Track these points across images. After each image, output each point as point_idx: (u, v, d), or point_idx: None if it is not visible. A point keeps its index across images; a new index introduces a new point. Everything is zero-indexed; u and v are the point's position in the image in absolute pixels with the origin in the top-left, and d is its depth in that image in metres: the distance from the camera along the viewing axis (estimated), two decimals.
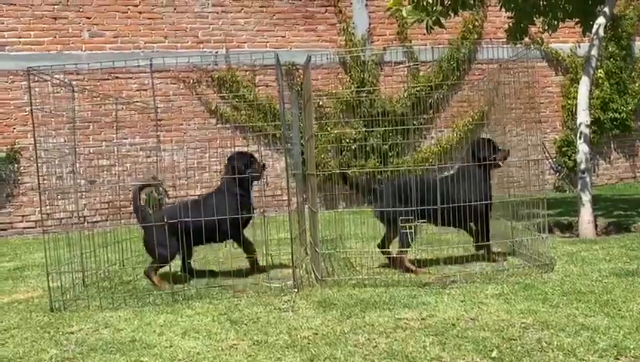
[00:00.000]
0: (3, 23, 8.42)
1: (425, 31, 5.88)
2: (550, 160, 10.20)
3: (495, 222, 5.12)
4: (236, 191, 4.31)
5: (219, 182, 4.76)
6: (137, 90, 8.72)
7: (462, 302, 3.27)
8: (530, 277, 3.75)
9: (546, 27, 6.45)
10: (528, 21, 6.41)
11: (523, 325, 2.80)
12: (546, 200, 4.36)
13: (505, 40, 6.64)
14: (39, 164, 8.11)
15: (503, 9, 6.39)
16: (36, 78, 3.89)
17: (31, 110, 3.67)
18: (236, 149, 8.77)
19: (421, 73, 9.77)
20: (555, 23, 6.34)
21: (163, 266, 4.09)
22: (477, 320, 2.93)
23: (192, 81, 8.98)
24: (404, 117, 8.99)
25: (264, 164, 4.83)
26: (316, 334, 2.83)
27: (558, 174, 10.22)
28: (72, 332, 3.10)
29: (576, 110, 5.90)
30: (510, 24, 6.50)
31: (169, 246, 3.97)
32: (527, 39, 6.71)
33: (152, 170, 8.57)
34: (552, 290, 3.40)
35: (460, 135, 9.68)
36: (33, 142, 8.26)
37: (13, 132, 8.45)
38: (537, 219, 4.40)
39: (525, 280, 3.67)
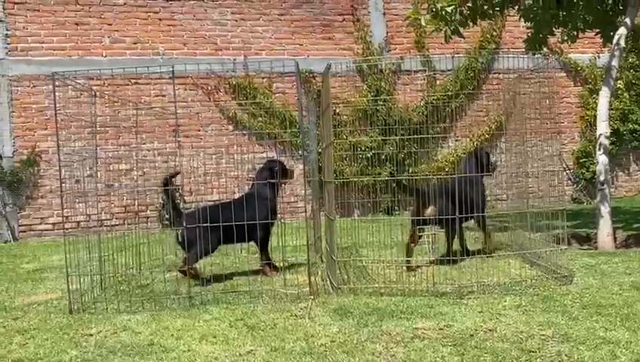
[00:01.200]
0: (27, 29, 8.57)
1: (442, 40, 5.89)
2: (568, 171, 10.11)
3: (513, 233, 5.09)
4: (269, 195, 4.61)
5: (237, 187, 4.80)
6: (156, 96, 8.81)
7: (480, 312, 3.25)
8: (549, 289, 3.72)
9: (566, 37, 6.41)
10: (547, 31, 6.38)
11: (542, 337, 2.78)
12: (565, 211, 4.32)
13: (523, 50, 6.62)
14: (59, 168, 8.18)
15: (522, 19, 6.37)
16: (57, 83, 3.94)
17: (55, 114, 3.73)
18: (253, 156, 8.89)
19: (438, 82, 9.76)
20: (575, 33, 6.30)
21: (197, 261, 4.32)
22: (495, 331, 2.91)
23: (210, 87, 9.05)
24: (421, 125, 8.97)
25: (292, 171, 5.14)
26: (333, 342, 2.83)
27: (575, 185, 10.12)
28: (91, 335, 3.14)
29: (595, 121, 5.86)
30: (529, 34, 6.47)
31: (210, 243, 4.22)
32: (546, 49, 6.66)
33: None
34: (571, 303, 3.37)
35: (477, 144, 9.63)
36: (54, 146, 8.38)
37: (34, 135, 8.57)
38: (555, 231, 4.36)
39: (544, 292, 3.64)
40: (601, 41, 6.42)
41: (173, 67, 3.75)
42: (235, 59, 9.07)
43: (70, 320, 3.47)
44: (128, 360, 2.67)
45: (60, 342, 3.01)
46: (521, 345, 2.67)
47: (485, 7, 5.90)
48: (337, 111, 9.23)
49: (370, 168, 9.19)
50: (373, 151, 9.17)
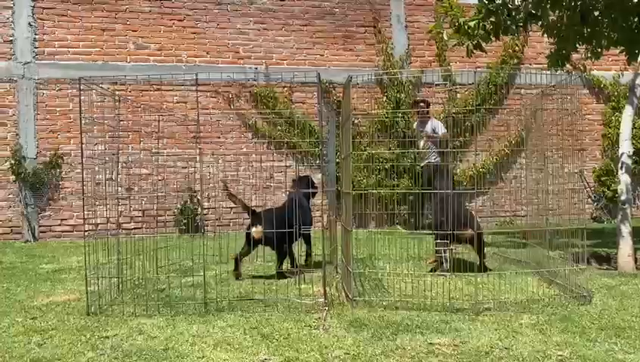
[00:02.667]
0: (54, 33, 8.75)
1: (464, 54, 5.88)
2: (588, 189, 9.98)
3: (531, 251, 5.04)
4: (307, 204, 5.29)
5: (254, 195, 4.89)
6: (178, 103, 8.92)
7: (495, 330, 3.22)
8: (567, 309, 3.67)
9: (590, 54, 6.35)
10: (571, 48, 6.32)
11: (559, 357, 2.74)
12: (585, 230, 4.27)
13: (546, 66, 6.58)
14: (80, 170, 8.31)
15: (546, 35, 6.33)
16: (82, 87, 4.02)
17: (80, 118, 3.80)
18: (271, 164, 8.93)
19: (458, 95, 9.73)
20: (599, 50, 6.25)
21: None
22: (511, 349, 2.88)
23: (231, 95, 9.14)
24: (440, 139, 8.93)
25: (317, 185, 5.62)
26: (347, 354, 2.82)
27: (596, 204, 9.98)
28: (107, 337, 3.17)
29: (617, 139, 5.79)
30: (552, 50, 6.43)
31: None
32: (569, 66, 6.61)
33: (189, 180, 8.73)
34: (589, 323, 3.32)
35: (497, 159, 9.58)
36: (76, 148, 8.50)
37: (57, 138, 8.73)
38: (575, 249, 4.31)
39: (561, 312, 3.59)
40: (626, 58, 6.35)
41: (197, 75, 3.80)
42: (256, 68, 9.16)
43: (87, 321, 3.51)
44: None
45: (77, 344, 3.05)
46: None
47: (509, 22, 5.88)
48: (355, 121, 9.24)
49: (387, 180, 9.18)
50: (390, 163, 9.16)
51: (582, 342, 2.98)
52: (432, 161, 8.00)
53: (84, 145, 4.07)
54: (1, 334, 3.26)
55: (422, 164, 8.31)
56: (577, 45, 6.29)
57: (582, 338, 3.03)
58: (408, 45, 9.72)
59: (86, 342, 3.08)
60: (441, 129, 8.19)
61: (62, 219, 8.73)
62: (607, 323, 3.33)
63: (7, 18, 8.62)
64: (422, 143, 8.19)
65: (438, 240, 4.73)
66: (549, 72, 5.98)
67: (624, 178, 5.40)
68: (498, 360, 2.70)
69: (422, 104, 8.38)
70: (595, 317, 3.45)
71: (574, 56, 6.59)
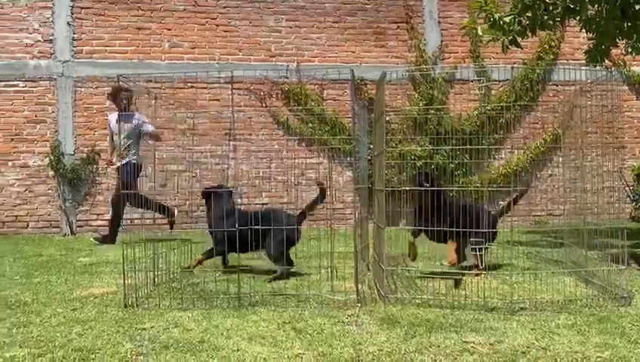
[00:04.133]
0: (92, 33, 8.97)
1: (498, 49, 5.79)
2: (628, 188, 9.71)
3: (568, 251, 4.94)
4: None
5: (285, 191, 4.90)
6: (211, 100, 9.03)
7: (532, 329, 3.17)
8: (606, 310, 3.58)
9: (630, 49, 6.18)
10: (610, 43, 6.16)
11: (599, 359, 2.68)
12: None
13: (584, 61, 6.42)
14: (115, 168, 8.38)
15: (584, 30, 6.18)
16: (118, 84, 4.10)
17: (119, 115, 3.88)
18: (303, 161, 8.96)
19: (492, 92, 9.59)
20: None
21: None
22: (548, 349, 2.83)
23: (263, 93, 9.20)
24: (473, 136, 8.82)
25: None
26: (381, 351, 2.82)
27: (635, 203, 9.69)
28: (145, 329, 3.24)
29: None
30: (590, 45, 6.27)
31: None
32: (608, 61, 6.43)
33: (221, 177, 8.82)
34: (630, 325, 3.24)
35: (531, 157, 9.40)
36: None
37: (94, 134, 8.94)
38: (613, 250, 4.20)
39: (600, 313, 3.51)
40: None
41: (232, 73, 3.84)
42: (288, 66, 9.20)
43: (125, 313, 3.59)
44: (180, 356, 2.74)
45: (115, 335, 3.13)
46: None
47: (545, 17, 5.77)
48: (387, 118, 9.19)
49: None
50: (422, 161, 9.08)
51: (622, 343, 2.91)
52: (132, 159, 7.08)
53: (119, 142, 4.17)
54: (44, 324, 3.37)
55: (118, 164, 7.17)
56: (617, 40, 6.13)
57: (622, 340, 2.96)
58: (441, 41, 9.62)
59: (124, 333, 3.16)
60: (147, 125, 7.00)
61: (98, 214, 8.95)
62: None
63: (48, 18, 8.86)
64: (118, 140, 6.61)
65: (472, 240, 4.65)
66: (587, 68, 5.84)
67: None
68: (535, 360, 2.66)
69: (125, 93, 6.67)
70: (635, 319, 3.36)
71: (614, 51, 6.41)
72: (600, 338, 2.99)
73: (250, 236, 4.31)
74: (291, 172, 9.04)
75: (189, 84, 8.86)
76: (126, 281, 3.85)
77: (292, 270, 4.76)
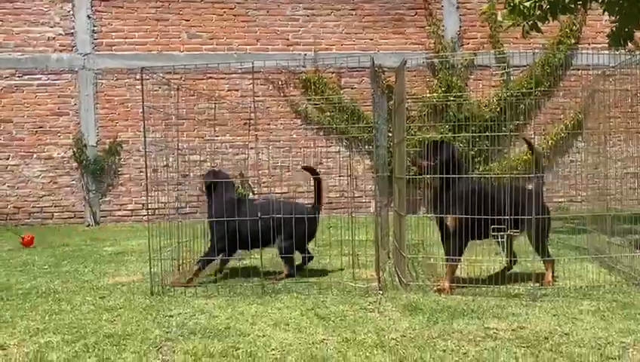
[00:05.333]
0: (112, 25, 9.07)
1: (518, 34, 5.74)
2: None
3: (591, 236, 4.91)
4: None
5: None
6: (229, 90, 9.09)
7: (554, 316, 3.18)
8: (629, 296, 3.57)
9: None
10: (633, 25, 6.06)
11: (622, 344, 2.69)
12: None
13: (606, 45, 6.32)
14: (138, 158, 8.60)
15: (606, 12, 6.09)
16: (141, 76, 4.16)
17: (143, 107, 3.95)
18: (321, 150, 8.98)
19: (513, 78, 9.48)
20: None
21: None
22: (571, 335, 2.84)
23: (280, 82, 9.23)
24: (493, 122, 8.75)
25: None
26: (404, 336, 2.86)
27: None
28: (172, 316, 3.32)
29: None
30: (613, 28, 6.18)
31: None
32: (631, 45, 6.33)
33: (240, 166, 8.90)
34: None
35: (552, 143, 9.31)
36: (134, 137, 8.82)
37: (115, 126, 9.08)
38: (636, 236, 4.18)
39: (624, 299, 3.50)
40: None
41: (253, 63, 3.88)
42: (305, 55, 9.20)
43: (152, 301, 3.68)
44: (207, 342, 2.81)
45: (144, 321, 3.21)
46: (599, 351, 2.60)
47: (566, 0, 5.70)
48: (407, 106, 9.16)
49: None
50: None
51: None
52: None
53: (141, 133, 4.23)
54: (75, 311, 3.47)
55: None
56: None
57: None
58: (460, 27, 9.53)
59: (152, 320, 3.24)
60: None
61: (121, 204, 9.11)
62: None
63: (68, 11, 8.98)
64: None
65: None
66: (609, 52, 5.75)
67: None
68: (558, 346, 2.67)
69: None
70: None
71: (637, 34, 6.31)
72: (623, 324, 2.99)
73: (261, 230, 4.05)
74: (310, 161, 9.07)
75: (207, 75, 8.93)
76: (152, 269, 3.94)
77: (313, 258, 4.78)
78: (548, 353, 2.59)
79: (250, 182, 8.98)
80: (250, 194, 8.96)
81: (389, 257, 4.98)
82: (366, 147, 9.23)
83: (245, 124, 8.67)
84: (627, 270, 4.09)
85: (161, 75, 4.55)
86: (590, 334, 2.85)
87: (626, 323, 3.01)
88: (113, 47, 9.06)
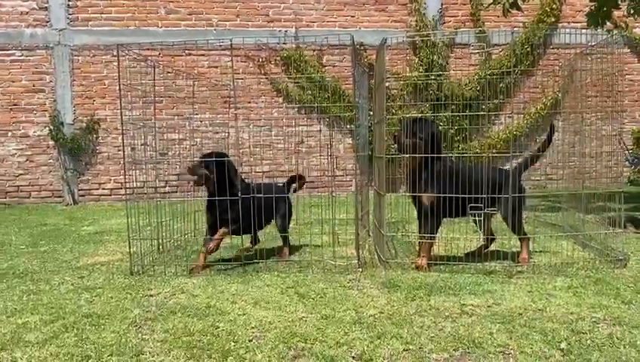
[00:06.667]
0: (87, 0, 8.83)
1: (498, 13, 5.73)
2: (627, 151, 9.74)
3: (566, 214, 5.00)
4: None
5: (285, 159, 4.89)
6: (208, 67, 8.97)
7: (529, 292, 3.25)
8: (602, 272, 3.66)
9: (632, 11, 6.11)
10: (612, 5, 6.09)
11: (593, 319, 2.77)
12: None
13: (585, 24, 6.35)
14: (116, 136, 8.48)
15: None
16: (117, 53, 4.08)
17: (119, 85, 3.88)
18: (302, 129, 8.95)
19: (493, 56, 9.51)
20: None
21: None
22: (545, 311, 2.91)
23: (261, 59, 9.13)
24: (473, 101, 8.80)
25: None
26: (382, 313, 2.90)
27: (633, 167, 9.75)
28: (152, 295, 3.32)
29: None
30: (592, 7, 6.20)
31: None
32: (609, 24, 6.37)
33: (221, 145, 8.84)
34: (624, 286, 3.32)
35: (531, 122, 9.40)
36: (112, 114, 8.68)
37: (93, 104, 8.92)
38: (610, 213, 4.27)
39: (596, 275, 3.59)
40: None
41: (231, 40, 3.82)
42: (286, 31, 9.11)
43: (131, 280, 3.68)
44: (188, 321, 2.82)
45: (123, 301, 3.21)
46: (571, 326, 2.67)
47: None
48: (388, 85, 9.15)
49: None
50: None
51: (616, 304, 2.99)
52: None
53: (118, 111, 4.17)
54: (53, 292, 3.45)
55: None
56: (619, 2, 6.06)
57: (616, 301, 3.04)
58: (441, 5, 9.50)
59: (132, 299, 3.24)
60: None
61: (100, 183, 9.01)
62: None
63: None
64: None
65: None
66: (588, 31, 5.78)
67: None
68: (532, 321, 2.74)
69: None
70: (630, 281, 3.44)
71: (615, 13, 6.34)
72: (595, 300, 3.08)
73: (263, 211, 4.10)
74: (291, 140, 9.05)
75: (186, 52, 8.79)
76: (131, 249, 3.93)
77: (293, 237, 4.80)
78: (522, 328, 2.66)
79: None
80: None
81: (369, 235, 5.02)
82: (347, 126, 9.23)
83: (225, 102, 8.58)
84: (601, 247, 4.19)
85: (138, 51, 4.46)
86: (563, 310, 2.92)
87: (598, 299, 3.09)
88: (89, 23, 8.86)
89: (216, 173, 4.03)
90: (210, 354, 2.41)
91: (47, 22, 8.75)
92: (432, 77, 9.11)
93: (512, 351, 2.40)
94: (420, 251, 3.92)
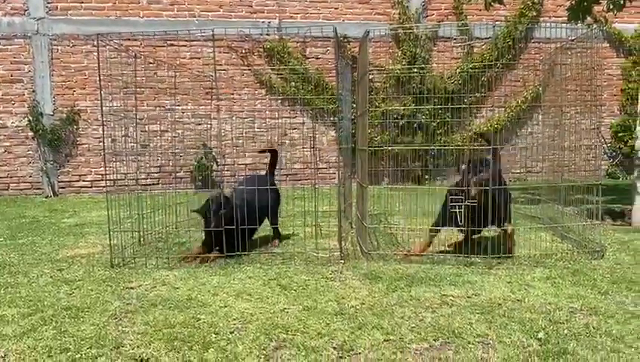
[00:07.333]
0: None
1: (481, 6, 5.76)
2: (605, 145, 9.89)
3: (545, 207, 5.07)
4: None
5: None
6: (190, 58, 8.88)
7: (508, 283, 3.29)
8: (580, 263, 3.73)
9: (611, 6, 6.18)
10: (592, 0, 6.16)
11: (570, 309, 2.82)
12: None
13: (566, 19, 6.42)
14: (97, 128, 8.40)
15: None
16: (97, 43, 4.02)
17: (99, 75, 3.83)
18: (286, 121, 8.94)
19: (475, 50, 9.57)
20: (621, 2, 6.07)
21: None
22: (523, 301, 2.95)
23: (244, 50, 9.07)
24: (455, 94, 8.86)
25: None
26: (363, 304, 2.92)
27: (612, 160, 9.91)
28: (132, 288, 3.30)
29: (637, 94, 5.70)
30: (572, 2, 6.26)
31: None
32: (589, 18, 6.44)
33: (204, 137, 8.79)
34: (601, 277, 3.38)
35: (512, 115, 9.50)
36: (92, 105, 8.57)
37: (73, 94, 8.78)
38: (589, 206, 4.33)
39: (574, 266, 3.65)
40: None
41: (213, 30, 3.79)
42: (269, 23, 9.05)
43: (112, 273, 3.65)
44: (168, 313, 2.81)
45: (103, 293, 3.18)
46: (549, 316, 2.71)
47: None
48: (371, 77, 9.16)
49: (401, 136, 9.16)
50: (405, 120, 9.13)
51: (593, 294, 3.05)
52: None
53: (98, 102, 4.11)
54: (32, 284, 3.41)
55: None
56: None
57: (593, 291, 3.10)
58: None
59: (112, 292, 3.21)
60: None
61: (80, 175, 8.89)
62: (619, 276, 3.39)
63: None
64: None
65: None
66: (568, 26, 5.84)
67: None
68: (510, 311, 2.78)
69: None
70: (607, 271, 3.51)
71: (595, 8, 6.41)
72: (572, 290, 3.13)
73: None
74: (274, 132, 9.02)
75: (168, 42, 8.70)
76: (112, 241, 3.89)
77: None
78: (501, 318, 2.69)
79: (214, 154, 8.90)
80: (214, 165, 8.90)
81: (351, 227, 5.04)
82: (331, 118, 9.23)
83: (208, 93, 8.51)
84: (579, 238, 4.26)
85: (118, 41, 4.40)
86: (541, 300, 2.97)
87: (575, 289, 3.15)
88: (69, 12, 8.70)
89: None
90: (191, 345, 2.41)
91: (26, 10, 8.58)
92: (415, 70, 9.14)
93: (490, 341, 2.44)
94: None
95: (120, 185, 4.50)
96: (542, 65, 8.43)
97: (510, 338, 2.46)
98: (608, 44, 9.91)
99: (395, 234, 4.71)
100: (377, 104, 9.25)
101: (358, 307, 2.88)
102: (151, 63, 7.80)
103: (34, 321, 2.73)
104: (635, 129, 5.61)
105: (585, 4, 6.11)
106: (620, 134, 9.91)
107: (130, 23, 8.63)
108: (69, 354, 2.35)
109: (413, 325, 2.62)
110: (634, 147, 5.59)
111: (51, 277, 3.58)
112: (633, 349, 2.34)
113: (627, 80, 9.94)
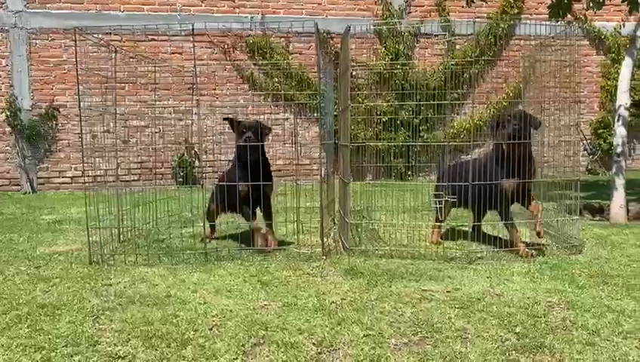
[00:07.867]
0: None
1: (464, 3, 5.79)
2: (585, 141, 10.02)
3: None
4: None
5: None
6: (172, 53, 8.80)
7: (488, 278, 3.32)
8: (558, 258, 3.77)
9: (591, 4, 6.25)
10: None
11: (548, 304, 2.84)
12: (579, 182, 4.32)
13: (547, 16, 6.47)
14: (76, 123, 8.28)
15: None
16: (75, 37, 3.96)
17: (77, 70, 3.77)
18: (268, 117, 8.89)
19: (457, 47, 9.62)
20: (601, 0, 6.14)
21: None
22: (502, 296, 2.97)
23: (226, 45, 9.01)
24: (438, 91, 8.89)
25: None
26: (344, 299, 2.92)
27: (591, 156, 10.04)
28: (111, 285, 3.25)
29: (616, 91, 5.77)
30: (553, 0, 6.31)
31: None
32: (570, 16, 6.50)
33: (185, 132, 8.72)
34: (579, 272, 3.42)
35: (494, 111, 9.57)
36: (72, 100, 8.44)
37: (52, 89, 8.65)
38: (568, 201, 4.38)
39: (552, 261, 3.69)
40: (628, 8, 6.26)
41: (193, 25, 3.75)
42: (252, 17, 9.00)
43: (90, 270, 3.59)
44: (147, 310, 2.77)
45: (81, 291, 3.13)
46: (527, 310, 2.74)
47: None
48: (353, 73, 9.16)
49: (384, 133, 9.18)
50: (388, 116, 9.14)
51: (571, 289, 3.08)
52: None
53: (78, 97, 4.05)
54: (7, 282, 3.34)
55: None
56: None
57: (571, 286, 3.14)
58: None
59: (90, 289, 3.17)
60: None
61: (60, 171, 8.77)
62: (596, 271, 3.43)
63: None
64: None
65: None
66: (548, 23, 5.88)
67: (620, 130, 5.42)
68: (489, 306, 2.80)
69: None
70: (584, 266, 3.55)
71: (575, 6, 6.48)
72: (551, 285, 3.16)
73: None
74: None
75: (149, 37, 8.60)
76: (90, 238, 3.84)
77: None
78: (479, 313, 2.71)
79: (196, 149, 8.82)
80: (197, 161, 8.83)
81: (334, 223, 5.04)
82: (314, 114, 9.21)
83: (189, 88, 8.44)
84: (558, 233, 4.30)
85: (97, 35, 4.34)
86: (520, 294, 2.99)
87: (553, 284, 3.18)
88: (47, 5, 8.55)
89: None
90: (169, 343, 2.38)
91: (3, 3, 8.42)
92: (398, 66, 9.16)
93: (469, 335, 2.45)
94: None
95: (100, 182, 4.44)
96: (522, 62, 8.50)
97: (488, 332, 2.48)
98: (588, 42, 10.03)
99: (377, 230, 4.72)
100: (360, 100, 9.25)
101: (338, 303, 2.87)
102: (132, 58, 7.72)
103: (8, 319, 2.68)
104: (613, 125, 5.69)
105: (566, 1, 6.17)
106: (599, 131, 10.05)
107: (111, 16, 8.53)
108: (43, 352, 2.31)
109: (393, 320, 2.63)
110: (612, 143, 5.67)
111: (28, 274, 3.52)
112: (608, 342, 2.37)
113: (607, 77, 10.07)
